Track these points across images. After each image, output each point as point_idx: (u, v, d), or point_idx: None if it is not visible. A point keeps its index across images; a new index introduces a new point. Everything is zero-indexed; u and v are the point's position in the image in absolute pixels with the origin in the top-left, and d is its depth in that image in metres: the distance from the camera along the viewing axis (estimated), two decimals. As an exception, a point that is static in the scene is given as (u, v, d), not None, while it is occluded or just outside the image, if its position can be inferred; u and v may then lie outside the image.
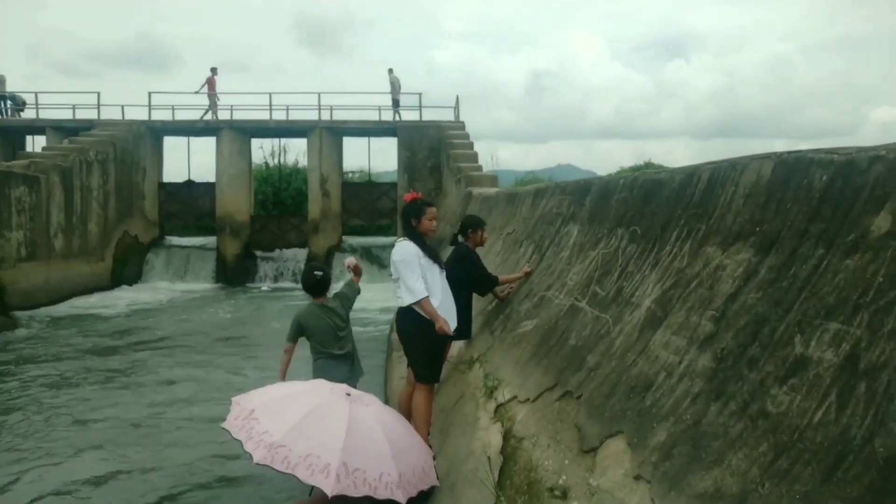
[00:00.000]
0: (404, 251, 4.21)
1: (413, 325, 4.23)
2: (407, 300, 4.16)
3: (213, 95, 21.54)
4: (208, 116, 21.77)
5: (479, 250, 5.24)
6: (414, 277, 4.13)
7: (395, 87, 21.95)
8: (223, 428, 3.45)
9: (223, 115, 22.20)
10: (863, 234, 1.85)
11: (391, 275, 4.38)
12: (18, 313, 13.81)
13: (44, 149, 19.82)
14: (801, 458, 1.63)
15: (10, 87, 22.19)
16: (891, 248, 1.72)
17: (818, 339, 1.81)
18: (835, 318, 1.79)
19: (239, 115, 22.52)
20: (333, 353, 4.92)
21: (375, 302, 16.26)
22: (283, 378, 4.84)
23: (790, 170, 2.32)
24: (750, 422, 1.87)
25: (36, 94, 22.54)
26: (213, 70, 21.68)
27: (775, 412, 1.80)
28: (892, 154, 1.89)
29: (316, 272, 5.08)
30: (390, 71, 22.04)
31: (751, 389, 1.95)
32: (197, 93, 21.51)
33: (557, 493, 2.59)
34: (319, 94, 22.32)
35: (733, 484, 1.79)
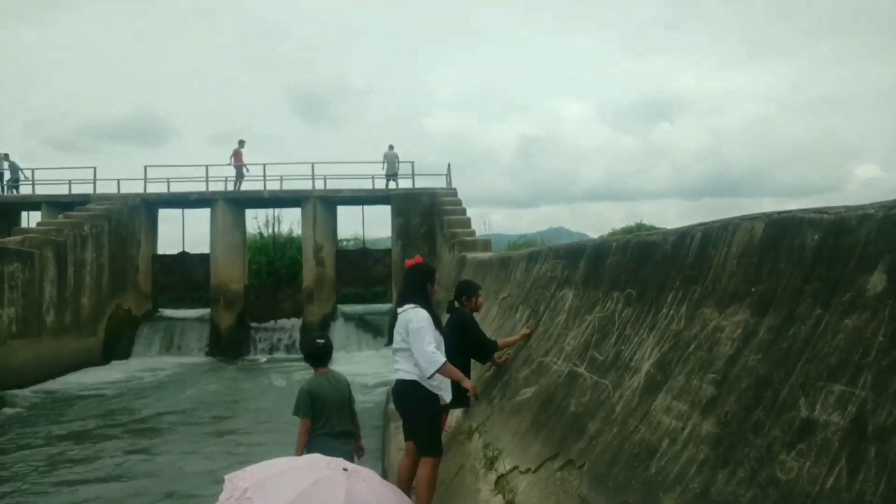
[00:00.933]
0: (421, 318, 4.08)
1: (419, 397, 4.11)
2: (428, 369, 4.00)
3: (239, 167, 22.13)
4: (235, 186, 22.27)
5: (476, 316, 5.21)
6: (431, 345, 4.03)
7: (394, 164, 22.34)
8: (215, 509, 3.32)
9: (217, 187, 22.45)
10: (859, 292, 1.84)
11: (393, 342, 4.29)
12: (7, 392, 13.53)
13: (38, 224, 19.92)
14: (816, 528, 1.57)
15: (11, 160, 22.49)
16: (888, 306, 1.72)
17: (823, 402, 1.77)
18: (838, 379, 1.76)
19: (233, 186, 22.76)
20: (336, 431, 4.52)
21: (370, 370, 16.05)
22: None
23: (781, 230, 2.34)
24: (760, 490, 1.82)
25: (33, 170, 22.86)
26: (241, 143, 22.33)
27: (785, 479, 1.75)
28: (880, 213, 1.91)
29: (318, 340, 4.89)
30: (391, 147, 22.49)
31: (758, 455, 1.90)
32: (228, 165, 22.13)
33: (564, 570, 2.49)
34: (313, 164, 22.69)
35: (747, 557, 1.72)
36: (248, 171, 22.36)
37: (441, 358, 4.03)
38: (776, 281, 2.25)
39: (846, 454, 1.61)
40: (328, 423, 4.51)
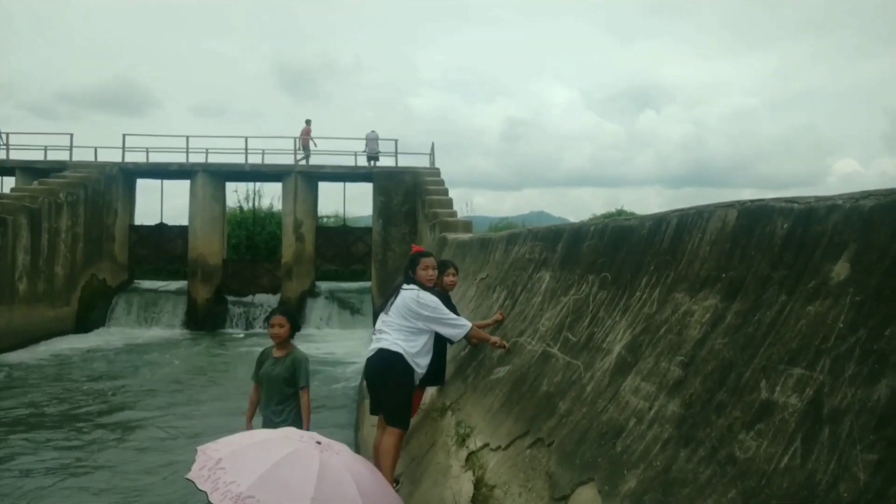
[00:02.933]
0: (431, 297, 4.40)
1: (399, 368, 4.27)
2: (459, 334, 4.43)
3: (306, 144, 22.44)
4: (303, 161, 22.41)
5: (453, 295, 5.23)
6: (449, 314, 4.42)
7: (375, 146, 22.34)
8: (188, 479, 3.34)
9: (197, 158, 22.17)
10: (823, 280, 1.90)
11: (383, 316, 4.47)
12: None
13: (12, 190, 19.53)
14: (769, 504, 1.64)
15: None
16: (849, 294, 1.77)
17: (783, 385, 1.83)
18: (798, 363, 1.82)
19: (214, 159, 22.50)
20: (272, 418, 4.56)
21: (347, 347, 16.09)
22: (251, 421, 4.72)
23: (753, 218, 2.39)
24: (719, 468, 1.88)
25: (7, 134, 22.35)
26: (308, 122, 22.74)
27: (743, 458, 1.81)
28: (848, 203, 1.96)
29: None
30: (372, 131, 22.50)
31: (719, 435, 1.96)
32: (297, 139, 22.48)
33: (529, 543, 2.55)
34: (295, 138, 22.49)
35: (704, 531, 1.78)
36: (315, 145, 22.75)
37: (468, 322, 4.46)
38: (746, 268, 2.31)
39: (801, 435, 1.67)
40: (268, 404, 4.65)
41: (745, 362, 2.03)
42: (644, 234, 3.27)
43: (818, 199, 2.14)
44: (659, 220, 3.18)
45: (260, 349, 5.06)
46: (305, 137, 22.59)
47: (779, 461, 1.69)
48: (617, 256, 3.49)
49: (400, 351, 4.27)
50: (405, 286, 4.48)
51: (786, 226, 2.18)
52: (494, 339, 4.49)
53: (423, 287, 4.47)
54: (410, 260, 4.64)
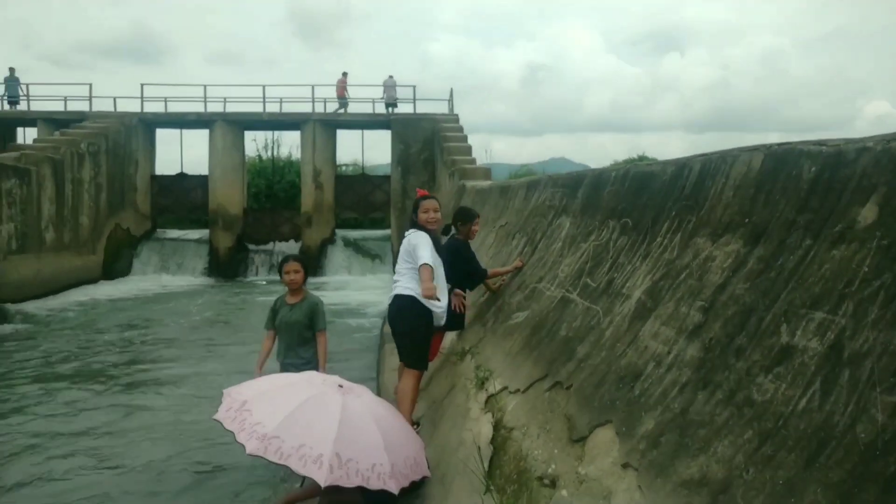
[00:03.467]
0: (419, 236, 4.39)
1: (415, 311, 4.34)
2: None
3: (342, 94, 22.44)
4: (341, 111, 22.55)
5: (472, 242, 5.25)
6: (425, 251, 4.28)
7: (393, 92, 22.09)
8: (215, 419, 3.45)
9: (215, 108, 22.11)
10: (849, 224, 1.87)
11: (397, 264, 4.55)
12: (8, 306, 13.74)
13: (35, 141, 19.70)
14: (785, 445, 1.65)
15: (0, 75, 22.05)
16: (876, 238, 1.74)
17: (804, 329, 1.82)
18: (821, 307, 1.81)
19: (232, 108, 22.43)
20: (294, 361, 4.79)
21: (367, 294, 16.29)
22: (261, 368, 4.85)
23: (779, 162, 2.34)
24: (736, 410, 1.90)
25: (27, 85, 22.41)
26: (344, 74, 22.64)
27: (760, 400, 1.82)
28: (879, 146, 1.90)
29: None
30: (390, 76, 22.20)
31: (737, 378, 1.97)
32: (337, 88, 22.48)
33: (547, 481, 2.62)
34: (313, 86, 22.30)
35: (718, 470, 1.81)
36: (349, 95, 22.70)
37: (423, 258, 4.23)
38: (770, 212, 2.27)
39: (821, 377, 1.67)
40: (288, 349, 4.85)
41: (767, 307, 2.03)
42: (666, 180, 3.22)
43: (847, 141, 2.08)
44: (681, 166, 3.13)
45: (281, 293, 5.16)
46: (341, 89, 22.49)
47: (797, 403, 1.70)
48: (638, 202, 3.46)
49: (412, 293, 4.34)
50: (407, 231, 4.56)
51: (813, 169, 2.13)
52: (508, 268, 4.77)
53: (424, 229, 4.49)
54: (413, 205, 4.70)
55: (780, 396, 1.77)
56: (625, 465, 2.22)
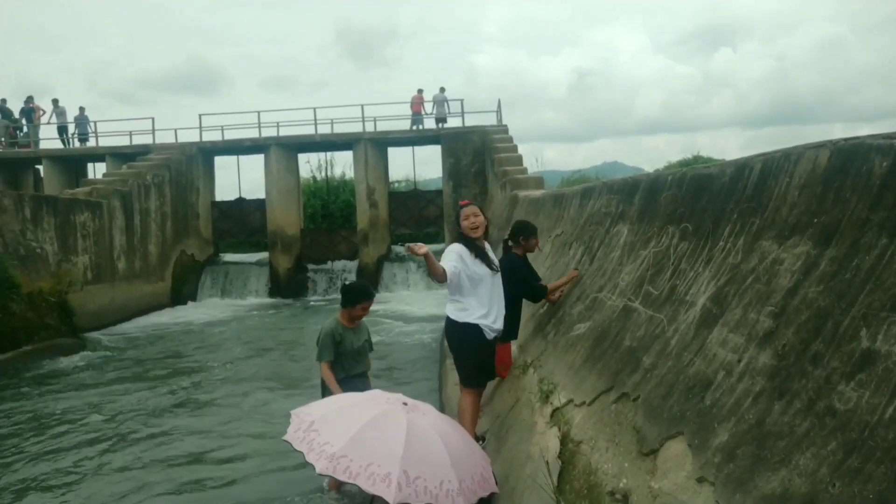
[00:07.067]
0: (448, 249, 4.47)
1: (457, 333, 4.43)
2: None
3: (417, 112, 22.67)
4: (416, 128, 22.84)
5: (529, 256, 5.22)
6: (446, 260, 4.30)
7: (443, 107, 22.27)
8: (285, 440, 3.53)
9: (269, 132, 22.75)
10: (928, 220, 1.78)
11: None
12: (86, 334, 14.41)
13: (104, 175, 20.70)
14: (873, 457, 1.57)
15: (71, 114, 23.28)
16: (959, 234, 1.65)
17: (885, 333, 1.74)
18: (902, 309, 1.72)
19: (285, 131, 23.02)
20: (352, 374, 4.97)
21: (425, 309, 16.37)
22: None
23: (847, 157, 2.25)
24: (817, 420, 1.82)
25: (95, 122, 23.60)
26: (420, 91, 22.90)
27: (843, 409, 1.74)
28: (956, 136, 1.81)
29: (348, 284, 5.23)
30: (441, 90, 22.33)
31: (816, 386, 1.89)
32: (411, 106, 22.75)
33: (618, 496, 2.56)
34: (363, 105, 22.68)
35: (802, 484, 1.74)
36: (426, 113, 22.78)
37: (443, 269, 4.18)
38: (841, 211, 2.18)
39: (908, 384, 1.59)
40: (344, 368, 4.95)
41: (843, 311, 1.94)
42: (725, 182, 3.13)
43: (921, 132, 1.99)
44: (741, 166, 3.04)
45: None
46: (418, 105, 22.68)
47: (882, 412, 1.62)
48: (697, 206, 3.37)
49: (449, 314, 4.48)
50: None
51: (885, 164, 2.04)
52: (565, 279, 4.78)
53: (468, 239, 4.50)
54: (455, 214, 4.75)
55: (864, 405, 1.68)
56: (700, 480, 2.15)
